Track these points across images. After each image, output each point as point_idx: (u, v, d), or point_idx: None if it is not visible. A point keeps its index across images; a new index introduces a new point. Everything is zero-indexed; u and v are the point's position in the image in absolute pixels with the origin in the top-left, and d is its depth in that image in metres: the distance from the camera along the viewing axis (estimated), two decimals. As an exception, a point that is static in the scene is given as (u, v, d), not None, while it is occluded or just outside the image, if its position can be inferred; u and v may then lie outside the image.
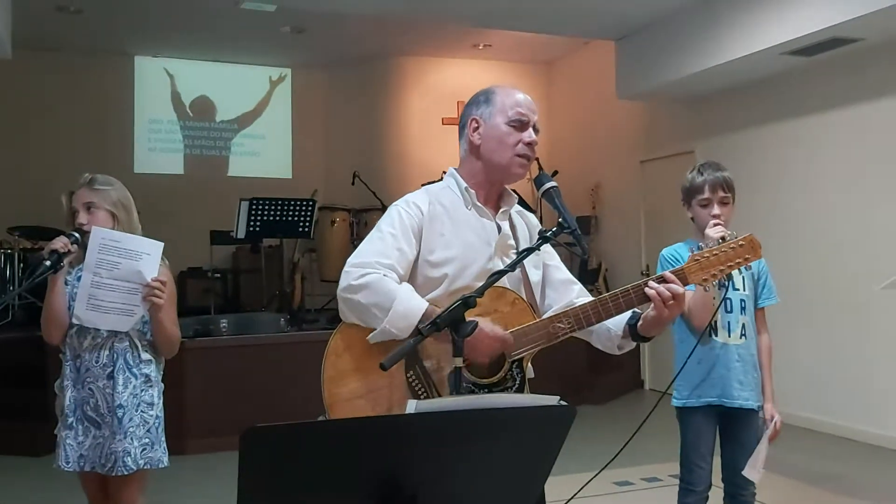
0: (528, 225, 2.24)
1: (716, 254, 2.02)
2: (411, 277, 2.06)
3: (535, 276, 2.16)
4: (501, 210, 2.16)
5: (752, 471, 2.73)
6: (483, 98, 2.15)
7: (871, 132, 5.69)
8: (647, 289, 1.94)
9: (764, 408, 2.84)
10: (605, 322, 2.03)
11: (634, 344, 2.09)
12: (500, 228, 2.13)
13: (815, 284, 5.95)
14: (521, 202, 2.39)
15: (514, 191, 2.24)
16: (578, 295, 2.18)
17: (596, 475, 2.21)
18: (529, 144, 2.10)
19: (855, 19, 5.05)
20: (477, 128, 2.13)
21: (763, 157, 6.55)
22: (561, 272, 2.22)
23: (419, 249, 2.07)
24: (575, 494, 2.23)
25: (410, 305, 1.91)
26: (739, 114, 6.87)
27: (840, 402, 5.79)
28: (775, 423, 2.79)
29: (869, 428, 5.59)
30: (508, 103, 2.11)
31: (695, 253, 2.04)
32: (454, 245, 2.07)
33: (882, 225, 5.57)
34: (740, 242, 2.04)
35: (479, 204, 2.13)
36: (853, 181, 5.82)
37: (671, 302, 1.93)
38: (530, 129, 2.11)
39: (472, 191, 2.13)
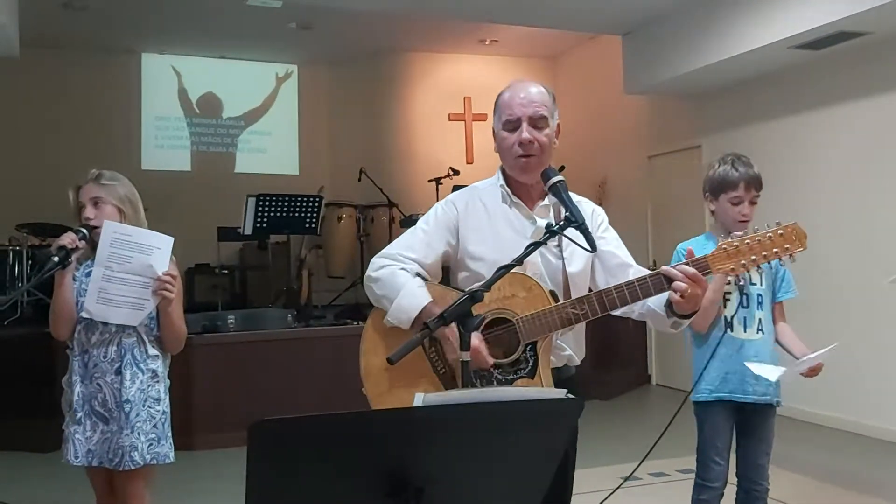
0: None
1: (747, 243, 1.86)
2: (458, 271, 2.19)
3: (574, 266, 2.14)
4: (541, 204, 2.19)
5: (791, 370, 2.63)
6: (494, 106, 2.23)
7: (879, 126, 5.66)
8: (664, 269, 1.91)
9: (808, 358, 2.66)
10: (650, 306, 2.02)
11: (686, 322, 2.02)
12: (536, 222, 2.16)
13: (824, 279, 5.93)
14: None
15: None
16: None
17: (636, 467, 2.22)
18: (522, 144, 2.11)
19: (863, 13, 5.02)
20: (494, 137, 2.23)
21: (771, 151, 6.52)
22: (616, 257, 2.19)
23: (458, 244, 2.17)
24: (616, 489, 2.24)
25: (411, 300, 2.04)
26: (747, 108, 6.85)
27: (850, 397, 5.77)
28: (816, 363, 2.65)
29: (879, 423, 5.57)
30: (503, 107, 2.17)
31: (723, 241, 1.91)
32: (489, 239, 2.15)
33: (890, 219, 5.55)
34: (780, 232, 1.84)
35: (516, 200, 2.19)
36: (862, 175, 5.79)
37: (691, 282, 1.87)
38: (523, 126, 2.11)
39: (508, 188, 2.20)
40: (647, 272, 2.12)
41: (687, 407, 2.93)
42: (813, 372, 2.67)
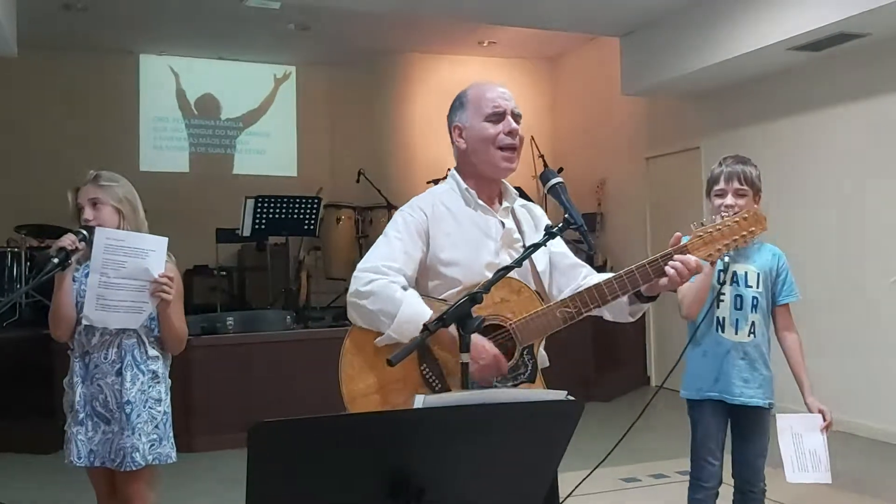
0: (532, 216, 2.28)
1: (719, 228, 2.04)
2: (427, 279, 2.12)
3: (541, 265, 2.18)
4: (503, 207, 2.20)
5: (817, 474, 2.72)
6: (458, 103, 2.22)
7: (878, 127, 5.67)
8: (667, 267, 1.96)
9: (807, 402, 2.81)
10: None
11: (646, 306, 2.11)
12: (503, 224, 2.17)
13: (823, 280, 5.93)
14: (526, 198, 2.41)
15: (517, 187, 2.26)
16: (586, 276, 2.21)
17: (595, 467, 2.20)
18: (510, 133, 2.12)
19: (862, 14, 5.02)
20: (460, 133, 2.19)
21: (769, 152, 6.52)
22: (567, 257, 2.25)
23: (428, 250, 2.12)
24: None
25: (415, 312, 1.97)
26: (746, 109, 6.85)
27: (847, 398, 5.76)
28: (825, 413, 2.77)
29: (876, 424, 5.57)
30: (482, 101, 2.16)
31: (698, 229, 2.05)
32: (460, 244, 2.12)
33: (890, 219, 5.55)
34: (744, 216, 2.07)
35: (480, 202, 2.17)
36: (861, 176, 5.79)
37: (686, 273, 1.97)
38: (508, 118, 2.13)
39: (472, 190, 2.18)
40: (596, 273, 2.20)
41: (684, 408, 2.94)
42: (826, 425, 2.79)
